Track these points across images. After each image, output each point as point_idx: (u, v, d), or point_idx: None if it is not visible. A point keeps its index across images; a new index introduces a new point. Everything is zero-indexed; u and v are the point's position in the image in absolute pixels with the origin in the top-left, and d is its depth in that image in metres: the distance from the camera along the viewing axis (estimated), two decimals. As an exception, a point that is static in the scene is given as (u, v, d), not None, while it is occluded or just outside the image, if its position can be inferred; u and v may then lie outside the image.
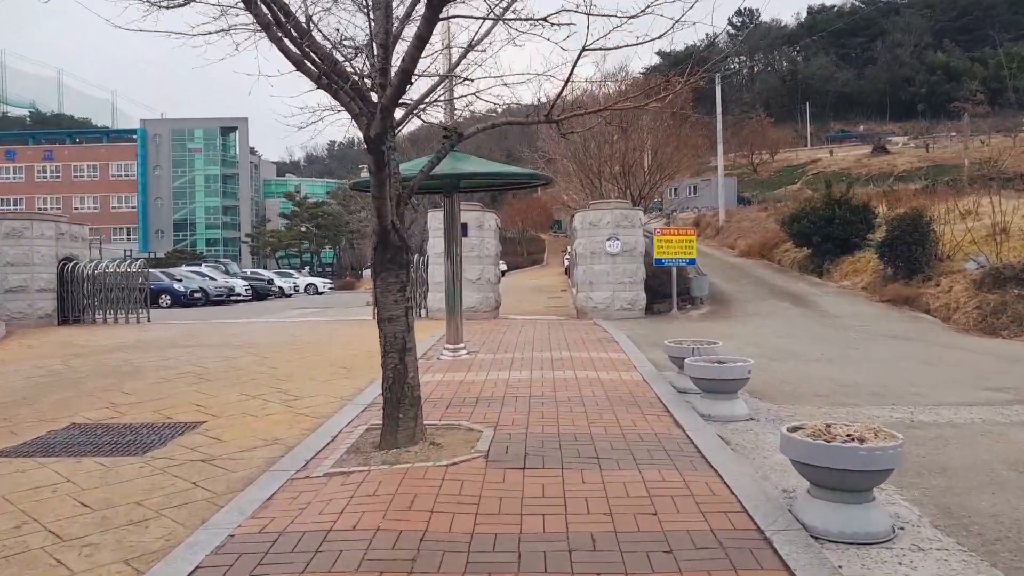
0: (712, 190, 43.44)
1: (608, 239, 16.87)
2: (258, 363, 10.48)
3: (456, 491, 4.37)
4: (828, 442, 3.80)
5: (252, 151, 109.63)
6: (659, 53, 77.83)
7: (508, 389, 7.63)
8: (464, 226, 17.11)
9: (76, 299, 17.94)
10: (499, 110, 8.43)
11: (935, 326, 14.45)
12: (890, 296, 17.58)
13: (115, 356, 11.54)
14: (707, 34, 21.39)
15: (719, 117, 37.00)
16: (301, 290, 42.96)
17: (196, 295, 29.40)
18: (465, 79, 6.45)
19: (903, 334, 13.18)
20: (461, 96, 6.73)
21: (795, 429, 4.07)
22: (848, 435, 3.87)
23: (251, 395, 8.09)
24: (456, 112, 7.55)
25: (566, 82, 5.38)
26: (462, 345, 10.16)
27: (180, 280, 30.61)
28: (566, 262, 53.81)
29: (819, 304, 17.66)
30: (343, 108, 5.35)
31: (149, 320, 18.42)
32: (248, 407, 7.48)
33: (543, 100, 8.06)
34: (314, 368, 9.86)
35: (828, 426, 4.06)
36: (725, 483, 4.45)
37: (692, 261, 17.32)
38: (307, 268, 64.21)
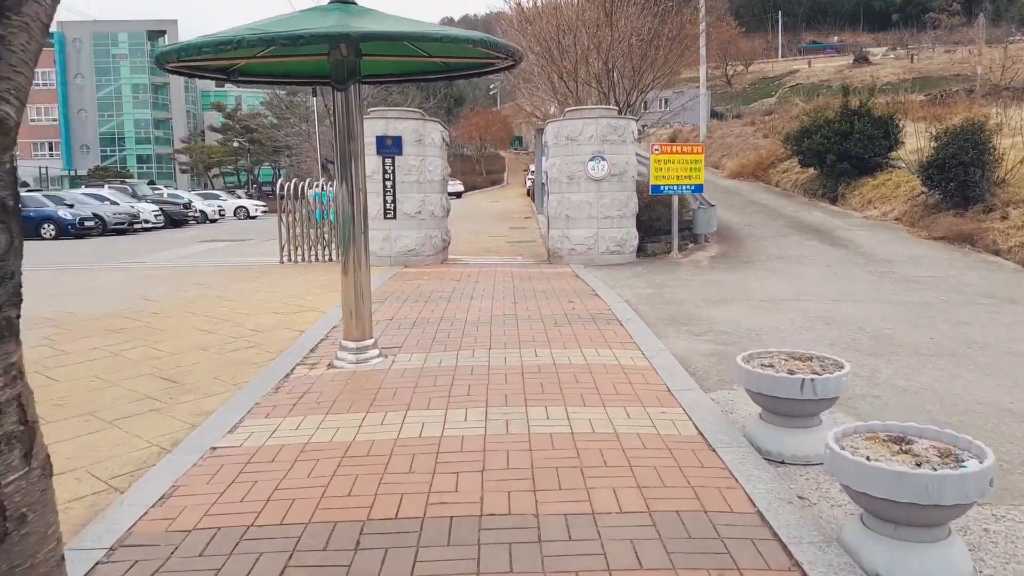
0: (685, 103, 39.08)
1: (591, 159, 12.70)
2: (31, 366, 6.29)
3: None
4: None
5: None
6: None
7: (436, 488, 3.64)
8: (396, 140, 12.75)
9: None
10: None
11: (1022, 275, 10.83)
12: (943, 232, 13.87)
13: None
14: None
15: (702, 12, 32.30)
16: (229, 214, 38.00)
17: (88, 223, 24.55)
18: None
19: (997, 291, 9.49)
20: None
21: None
22: None
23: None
24: None
25: None
26: (370, 340, 6.08)
27: (71, 205, 25.63)
28: (528, 183, 49.34)
29: (855, 242, 13.89)
30: None
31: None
32: None
33: None
34: (120, 379, 5.72)
35: None
36: None
37: (699, 188, 13.30)
38: (245, 189, 58.59)
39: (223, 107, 63.15)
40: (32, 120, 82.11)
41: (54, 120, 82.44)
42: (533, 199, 35.84)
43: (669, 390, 5.09)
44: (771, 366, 4.33)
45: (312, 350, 6.52)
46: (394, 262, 12.87)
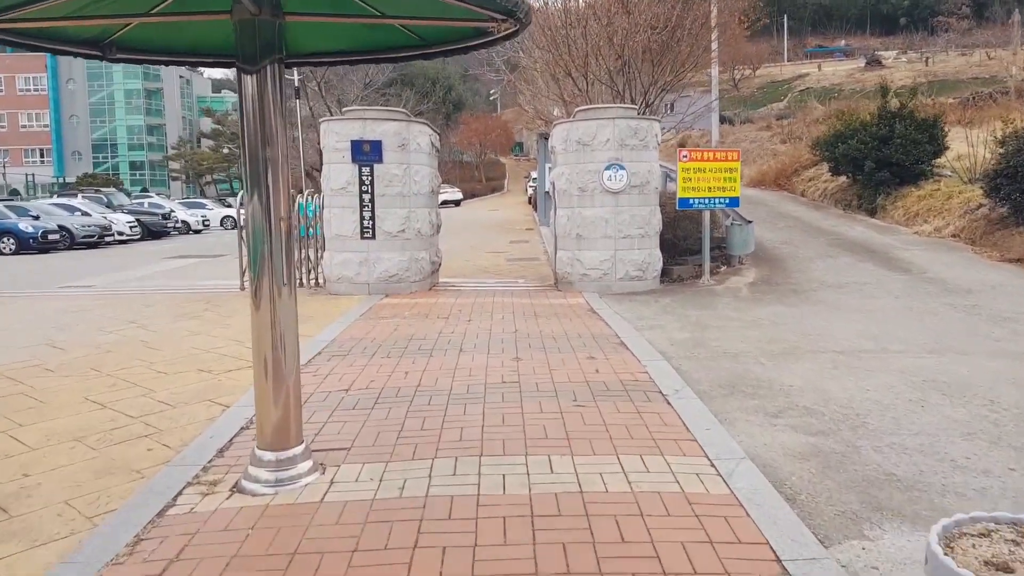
0: (697, 109, 37.07)
1: (607, 167, 10.66)
2: None
3: None
4: None
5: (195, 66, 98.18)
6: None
7: None
8: (374, 146, 10.71)
9: None
10: None
11: None
12: (1019, 253, 11.83)
13: None
14: None
15: (714, 13, 30.32)
16: (215, 224, 35.97)
17: (53, 237, 22.52)
18: None
19: None
20: None
21: None
22: None
23: None
24: None
25: None
26: (298, 449, 3.98)
27: (36, 217, 23.61)
28: (529, 190, 47.22)
29: (917, 265, 11.84)
30: None
31: None
32: None
33: None
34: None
35: None
36: None
37: (735, 202, 11.27)
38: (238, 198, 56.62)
39: (212, 112, 61.19)
40: (23, 126, 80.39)
41: (45, 126, 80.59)
42: (534, 207, 33.81)
43: (778, 558, 3.03)
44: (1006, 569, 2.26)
45: (223, 449, 4.46)
46: (373, 290, 10.83)
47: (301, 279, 11.94)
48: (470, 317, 8.69)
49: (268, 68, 3.80)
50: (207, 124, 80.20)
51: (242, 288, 11.75)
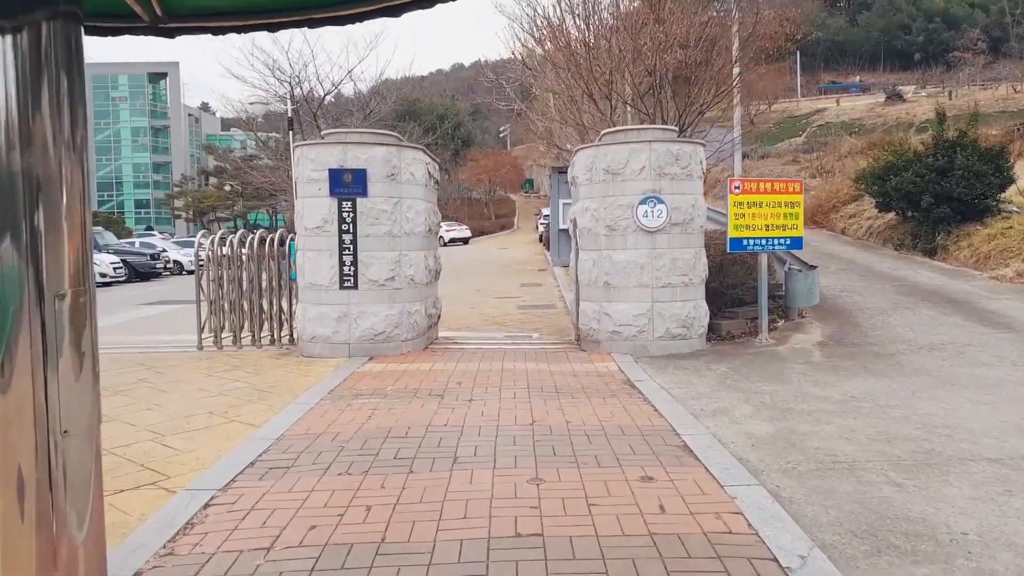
0: (709, 141, 35.31)
1: (642, 201, 8.68)
2: None
3: None
4: None
5: (206, 106, 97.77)
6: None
7: None
8: (357, 176, 8.75)
9: None
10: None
11: None
12: None
13: None
14: None
15: (735, 41, 28.66)
16: (210, 264, 34.09)
17: (23, 280, 20.61)
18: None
19: None
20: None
21: None
22: None
23: None
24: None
25: None
26: None
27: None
28: (540, 227, 45.27)
29: (1018, 320, 9.74)
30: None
31: None
32: None
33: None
34: None
35: None
36: None
37: (797, 243, 9.25)
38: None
39: (215, 148, 60.04)
40: (28, 164, 79.59)
41: (51, 164, 79.69)
42: (546, 246, 31.89)
43: None
44: None
45: None
46: (354, 351, 8.80)
47: (273, 334, 9.94)
48: (471, 395, 6.63)
49: (45, 27, 1.85)
50: (212, 161, 79.26)
51: (199, 347, 9.75)
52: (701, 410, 6.15)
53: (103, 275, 24.54)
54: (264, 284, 9.97)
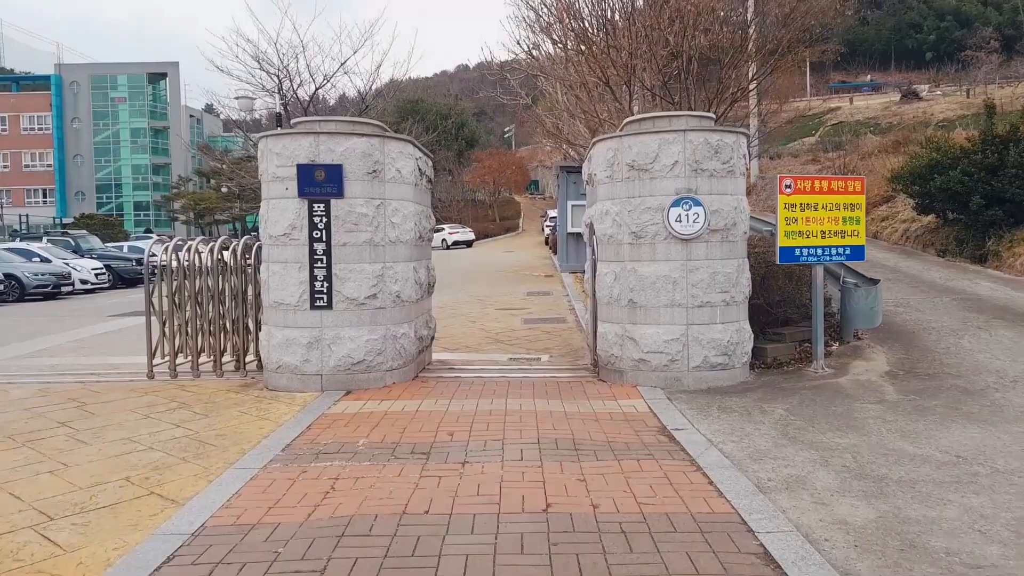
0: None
1: (675, 203, 7.18)
2: None
3: None
4: None
5: (210, 108, 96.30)
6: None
7: None
8: (332, 172, 7.07)
9: None
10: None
11: None
12: None
13: None
14: None
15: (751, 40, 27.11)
16: (202, 269, 32.67)
17: (-6, 288, 19.29)
18: None
19: None
20: None
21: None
22: None
23: None
24: None
25: None
26: None
27: (-19, 264, 20.44)
28: (546, 230, 43.68)
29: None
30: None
31: None
32: None
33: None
34: None
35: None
36: None
37: (859, 252, 7.74)
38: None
39: (211, 149, 58.66)
40: (26, 166, 78.64)
41: (48, 166, 78.78)
42: (553, 250, 30.37)
43: None
44: None
45: None
46: (328, 384, 7.32)
47: (239, 359, 8.46)
48: (466, 453, 5.14)
49: None
50: (208, 163, 77.90)
51: (150, 375, 8.28)
52: (769, 480, 4.65)
53: (84, 282, 23.15)
54: (229, 300, 8.50)
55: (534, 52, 15.42)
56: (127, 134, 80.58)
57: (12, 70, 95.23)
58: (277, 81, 18.08)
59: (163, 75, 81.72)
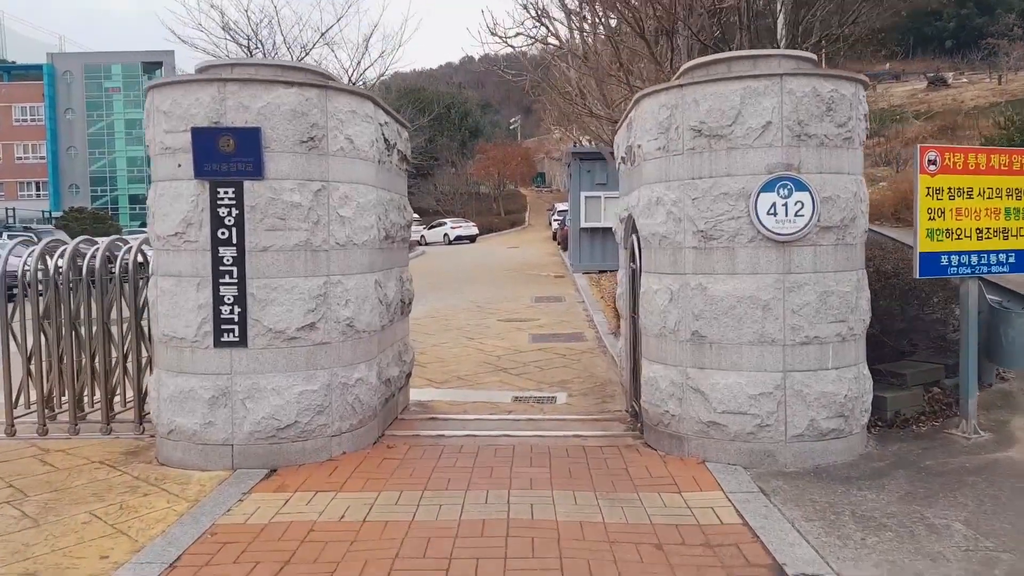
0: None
1: (768, 185, 4.69)
2: None
3: None
4: None
5: None
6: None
7: None
8: (245, 138, 3.83)
9: None
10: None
11: None
12: None
13: None
14: None
15: (779, 26, 24.54)
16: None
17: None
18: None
19: None
20: None
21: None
22: None
23: None
24: None
25: None
26: None
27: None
28: (553, 224, 41.01)
29: None
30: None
31: None
32: None
33: None
34: None
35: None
36: None
37: (1036, 259, 5.26)
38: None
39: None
40: (18, 158, 76.55)
41: (42, 158, 76.64)
42: (562, 246, 27.87)
43: None
44: None
45: None
46: (243, 459, 4.87)
47: (136, 412, 6.01)
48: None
49: None
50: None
51: (10, 431, 5.85)
52: None
53: (40, 282, 20.76)
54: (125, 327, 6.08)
55: (543, 20, 12.93)
56: (122, 125, 78.19)
57: (14, 62, 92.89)
58: (247, 53, 15.61)
59: (158, 64, 79.15)
